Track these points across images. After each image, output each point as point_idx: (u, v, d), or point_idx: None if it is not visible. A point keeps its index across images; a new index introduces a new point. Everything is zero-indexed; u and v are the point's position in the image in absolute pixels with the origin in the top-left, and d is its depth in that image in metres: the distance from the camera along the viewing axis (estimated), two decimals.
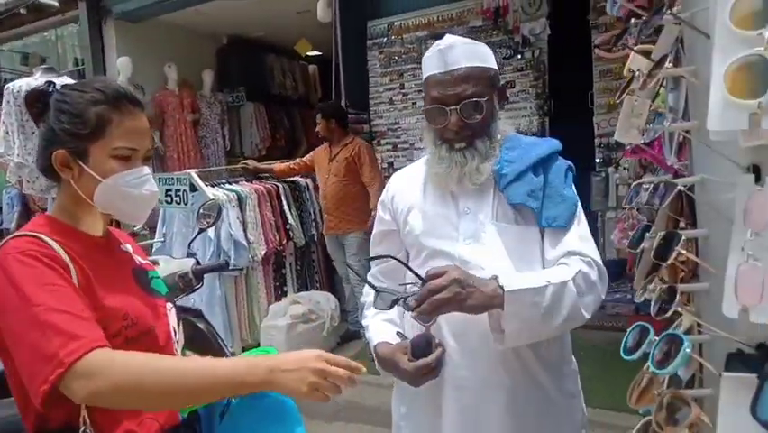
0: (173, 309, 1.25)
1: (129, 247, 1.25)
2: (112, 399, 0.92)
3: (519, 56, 4.47)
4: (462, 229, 1.27)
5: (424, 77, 1.31)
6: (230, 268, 2.62)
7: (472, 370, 1.24)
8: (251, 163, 4.43)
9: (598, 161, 4.18)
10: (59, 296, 0.95)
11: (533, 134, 4.26)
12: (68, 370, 0.88)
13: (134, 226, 3.38)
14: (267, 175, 4.42)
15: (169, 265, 2.18)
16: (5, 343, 0.96)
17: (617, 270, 3.83)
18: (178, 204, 3.74)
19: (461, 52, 1.25)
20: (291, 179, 4.52)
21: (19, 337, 0.93)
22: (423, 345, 1.20)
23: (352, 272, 3.93)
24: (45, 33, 6.95)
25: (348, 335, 4.19)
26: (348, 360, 0.99)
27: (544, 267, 1.23)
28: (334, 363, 0.96)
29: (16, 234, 1.04)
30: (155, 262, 2.20)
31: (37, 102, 1.13)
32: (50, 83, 1.14)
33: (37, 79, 3.32)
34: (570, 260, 1.20)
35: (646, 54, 1.00)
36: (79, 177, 1.09)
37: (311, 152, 4.30)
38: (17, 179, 3.33)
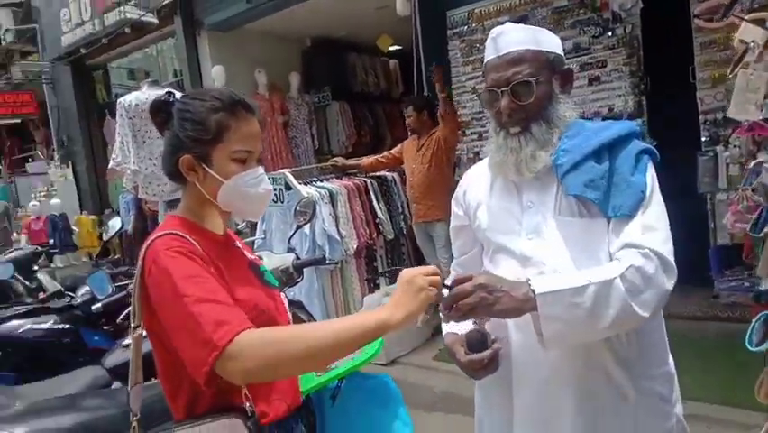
0: (285, 301, 1.33)
1: (239, 243, 1.33)
2: (265, 374, 1.02)
3: (610, 33, 4.24)
4: (525, 224, 1.24)
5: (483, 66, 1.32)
6: (326, 262, 2.73)
7: (537, 365, 1.21)
8: (340, 161, 4.57)
9: (704, 139, 3.87)
10: (204, 286, 1.04)
11: (628, 115, 4.04)
12: (222, 353, 0.96)
13: (237, 225, 3.61)
14: (355, 171, 4.54)
15: (271, 260, 2.31)
16: (165, 331, 1.07)
17: (731, 256, 3.55)
18: (275, 202, 3.93)
19: (512, 37, 1.24)
20: (378, 173, 4.60)
21: (177, 326, 1.03)
22: (478, 340, 1.19)
23: (442, 264, 3.94)
24: (147, 49, 7.55)
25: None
26: (436, 272, 1.08)
27: (611, 261, 1.16)
28: (427, 274, 1.06)
29: (160, 233, 1.13)
30: (259, 258, 2.36)
31: (160, 112, 1.22)
32: (170, 93, 1.25)
33: (144, 92, 3.63)
34: (623, 253, 1.12)
35: (760, 23, 0.93)
36: (204, 179, 1.18)
37: (398, 145, 4.36)
38: (132, 185, 3.65)
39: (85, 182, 8.34)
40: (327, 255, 3.68)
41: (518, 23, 1.32)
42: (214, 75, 5.99)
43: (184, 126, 1.17)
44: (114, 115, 8.10)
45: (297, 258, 2.33)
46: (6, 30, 8.43)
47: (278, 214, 4.10)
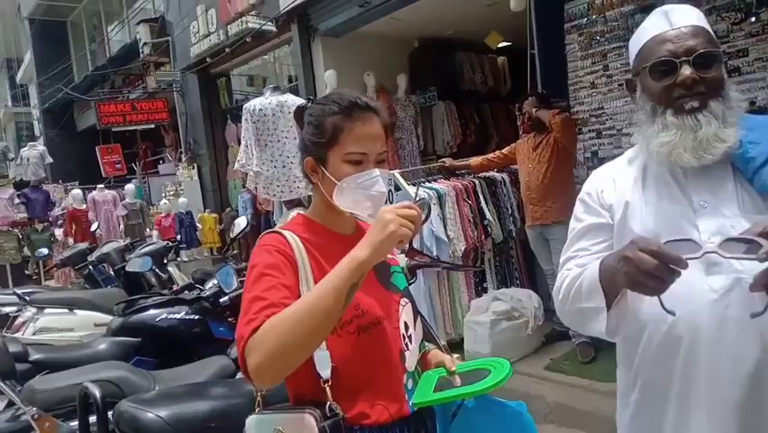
0: (408, 305, 1.27)
1: None
2: (272, 367, 1.01)
3: (753, 18, 3.79)
4: (704, 227, 1.10)
5: (639, 46, 1.20)
6: (441, 264, 2.70)
7: (736, 379, 1.06)
8: (448, 161, 4.52)
9: None
10: (267, 286, 1.08)
11: None
12: (245, 348, 1.01)
13: None
14: (464, 172, 4.47)
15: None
16: None
17: None
18: (384, 203, 3.97)
19: (686, 13, 1.16)
20: (487, 174, 4.49)
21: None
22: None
23: (559, 269, 3.76)
24: (265, 57, 7.99)
25: (554, 334, 4.02)
26: (410, 206, 1.05)
27: None
28: (401, 210, 1.04)
29: (269, 230, 1.22)
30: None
31: (298, 116, 1.28)
32: (310, 99, 1.29)
33: (267, 98, 3.82)
34: None
35: None
36: (323, 180, 1.21)
37: (510, 145, 4.23)
38: (254, 186, 3.86)
39: (208, 182, 9.01)
40: (434, 256, 3.65)
41: (644, 11, 1.22)
42: (327, 79, 6.20)
43: (307, 130, 1.23)
44: (234, 120, 8.74)
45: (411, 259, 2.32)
46: (145, 43, 9.33)
47: None
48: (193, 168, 9.10)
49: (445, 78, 7.18)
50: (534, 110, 3.98)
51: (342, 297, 1.02)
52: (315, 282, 1.11)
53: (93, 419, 1.80)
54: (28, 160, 9.86)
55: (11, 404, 2.63)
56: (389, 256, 1.30)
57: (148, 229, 8.77)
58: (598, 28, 4.38)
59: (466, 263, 4.14)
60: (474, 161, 4.39)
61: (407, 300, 1.28)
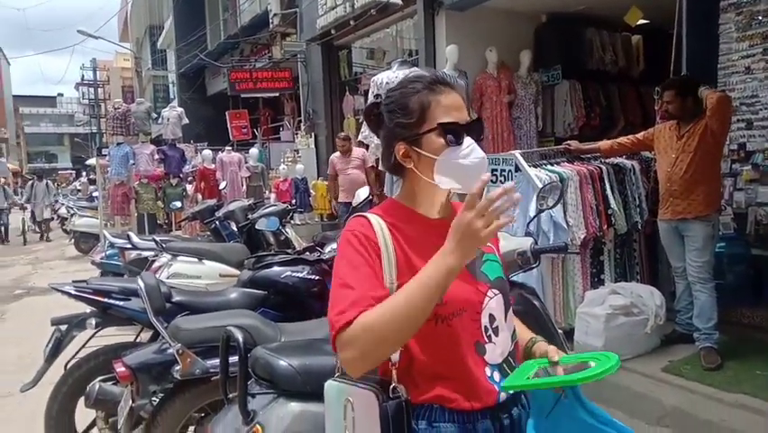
0: (498, 297, 1.23)
1: None
2: (366, 358, 1.06)
3: None
4: None
5: None
6: (568, 250, 2.61)
7: None
8: (574, 144, 4.30)
9: None
10: (355, 273, 1.11)
11: None
12: (337, 336, 1.06)
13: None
14: (589, 156, 4.25)
15: (508, 243, 2.30)
16: None
17: None
18: (503, 183, 3.90)
19: None
20: (616, 161, 4.24)
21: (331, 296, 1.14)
22: None
23: (693, 268, 3.50)
24: (387, 30, 8.03)
25: (674, 336, 3.77)
26: (492, 198, 0.99)
27: None
28: (482, 208, 0.99)
29: (357, 213, 1.25)
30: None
31: (372, 114, 1.27)
32: (377, 96, 1.29)
33: (395, 71, 3.87)
34: None
35: None
36: (419, 162, 1.19)
37: (648, 130, 3.93)
38: (375, 158, 3.95)
39: (323, 151, 9.34)
40: (551, 243, 3.53)
41: None
42: (448, 54, 6.13)
43: (391, 117, 1.21)
44: (352, 92, 8.95)
45: (536, 243, 2.28)
46: (275, 14, 9.77)
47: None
48: (311, 136, 9.47)
49: (572, 56, 6.80)
50: (702, 89, 3.55)
51: (432, 302, 1.05)
52: (398, 267, 1.14)
53: (231, 360, 1.97)
54: (168, 119, 10.81)
55: (155, 337, 2.98)
56: (486, 244, 1.24)
57: (266, 192, 9.31)
58: (761, 7, 3.93)
59: (583, 253, 3.97)
60: (604, 144, 4.15)
61: (497, 291, 1.23)
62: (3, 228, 14.68)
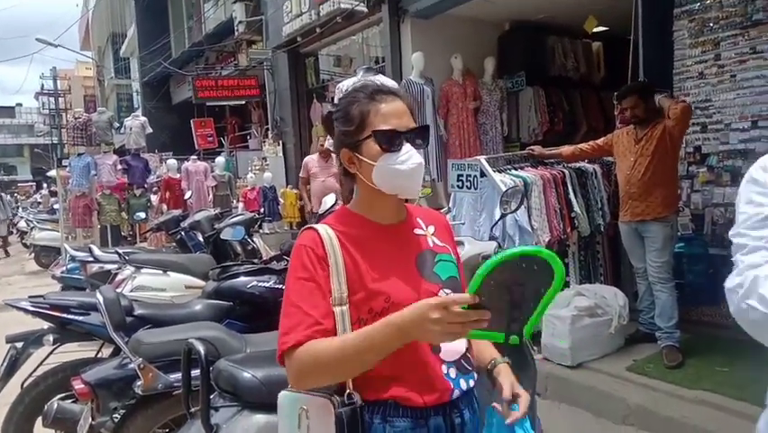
0: (449, 294, 1.23)
1: (430, 229, 1.33)
2: (303, 383, 1.16)
3: None
4: None
5: None
6: None
7: None
8: (537, 149, 4.38)
9: None
10: (300, 291, 1.17)
11: None
12: (283, 355, 1.14)
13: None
14: (552, 161, 4.33)
15: (473, 246, 2.33)
16: None
17: None
18: (468, 188, 3.94)
19: None
20: (578, 165, 4.33)
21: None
22: None
23: (653, 269, 3.59)
24: (353, 37, 8.05)
25: (638, 336, 3.86)
26: (464, 298, 0.99)
27: None
28: (450, 305, 0.99)
29: (307, 226, 1.28)
30: (459, 243, 2.38)
31: (328, 122, 1.33)
32: (334, 104, 1.35)
33: (360, 78, 3.87)
34: None
35: None
36: (361, 167, 1.24)
37: (607, 136, 4.03)
38: None
39: (291, 159, 9.28)
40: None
41: None
42: (414, 61, 6.18)
43: (337, 126, 1.28)
44: (320, 99, 8.92)
45: (500, 246, 2.31)
46: (240, 21, 9.68)
47: (470, 200, 4.11)
48: (278, 144, 9.40)
49: (535, 62, 6.94)
50: (659, 97, 3.69)
51: (377, 356, 1.10)
52: (348, 277, 1.18)
53: (193, 373, 1.92)
54: (131, 129, 10.57)
55: (116, 353, 2.89)
56: (440, 244, 1.32)
57: (234, 201, 9.19)
58: (712, 14, 4.09)
59: None
60: (566, 149, 4.24)
61: (449, 291, 1.24)
62: None
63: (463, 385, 1.24)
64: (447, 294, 1.22)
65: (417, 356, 1.19)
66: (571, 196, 4.09)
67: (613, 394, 3.29)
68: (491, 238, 2.43)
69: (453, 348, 1.24)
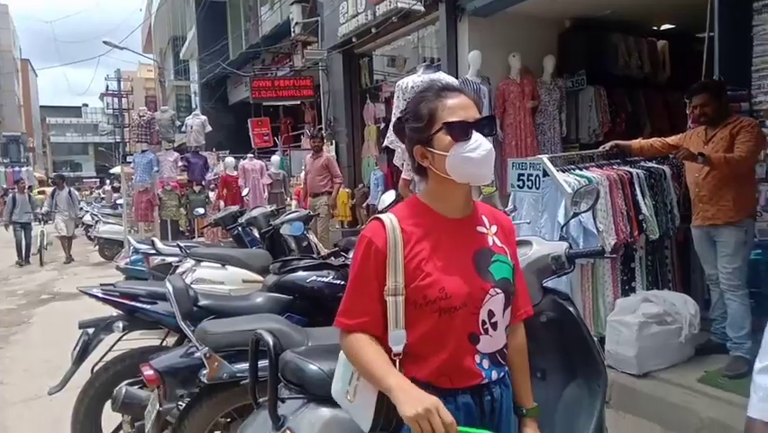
0: (500, 295, 1.35)
1: (493, 229, 1.41)
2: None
3: None
4: None
5: None
6: (604, 255, 2.54)
7: None
8: (613, 143, 4.15)
9: None
10: (358, 278, 1.34)
11: None
12: (340, 330, 1.36)
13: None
14: (618, 161, 4.14)
15: (542, 247, 2.24)
16: None
17: None
18: (530, 188, 3.84)
19: None
20: (647, 165, 4.13)
21: None
22: None
23: (724, 275, 3.39)
24: (408, 37, 8.03)
25: (710, 346, 3.65)
26: (452, 421, 1.13)
27: None
28: (441, 417, 1.12)
29: (374, 215, 1.39)
30: (527, 243, 2.30)
31: (398, 128, 1.43)
32: (399, 119, 1.43)
33: (420, 75, 3.84)
34: None
35: None
36: (434, 160, 1.33)
37: (678, 135, 3.84)
38: (401, 163, 3.91)
39: (344, 158, 9.33)
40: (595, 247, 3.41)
41: None
42: (471, 60, 6.09)
43: (408, 125, 1.37)
44: (372, 100, 8.95)
45: (571, 247, 2.21)
46: (296, 23, 9.84)
47: (531, 201, 4.00)
48: (331, 144, 9.48)
49: (597, 61, 6.72)
50: (697, 106, 3.53)
51: (376, 384, 1.27)
52: (406, 269, 1.29)
53: (259, 364, 1.93)
54: (191, 127, 10.93)
55: (180, 342, 2.97)
56: (500, 245, 1.40)
57: (288, 198, 9.33)
58: None
59: (613, 260, 3.86)
60: (635, 142, 4.06)
61: (499, 291, 1.35)
62: (25, 246, 11.86)
63: (494, 376, 1.36)
64: (497, 293, 1.34)
65: (453, 343, 1.30)
66: (639, 197, 3.91)
67: (684, 406, 3.11)
68: (561, 238, 2.34)
69: (493, 342, 1.35)
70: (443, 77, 3.86)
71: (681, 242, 4.22)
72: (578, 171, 3.90)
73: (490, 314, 1.33)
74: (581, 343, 2.21)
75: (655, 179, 4.08)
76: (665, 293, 3.74)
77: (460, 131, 1.29)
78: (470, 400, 1.32)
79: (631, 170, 4.01)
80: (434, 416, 1.12)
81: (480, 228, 1.39)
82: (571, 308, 2.23)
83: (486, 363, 1.34)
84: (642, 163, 4.16)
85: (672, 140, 3.86)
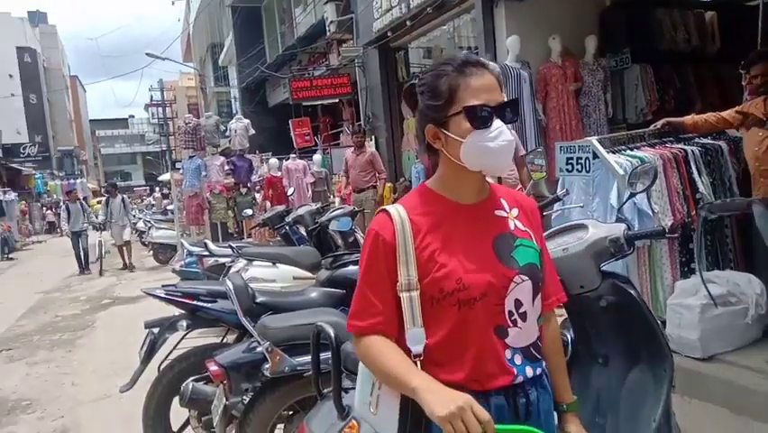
0: (526, 282, 1.23)
1: (513, 212, 1.29)
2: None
3: None
4: None
5: None
6: (665, 235, 2.47)
7: None
8: (665, 121, 3.99)
9: None
10: (368, 276, 1.24)
11: None
12: (354, 335, 1.26)
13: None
14: (671, 138, 3.99)
15: (598, 230, 2.19)
16: None
17: None
18: (579, 171, 3.75)
19: None
20: (701, 141, 3.97)
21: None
22: None
23: None
24: (444, 27, 7.97)
25: None
26: (489, 418, 1.04)
27: None
28: (476, 414, 1.03)
29: (381, 208, 1.28)
30: (583, 227, 2.25)
31: (411, 96, 1.28)
32: (416, 76, 1.35)
33: None
34: None
35: None
36: (447, 144, 1.21)
37: (734, 108, 3.67)
38: None
39: (384, 153, 9.36)
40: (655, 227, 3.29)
41: None
42: (509, 45, 6.00)
43: (423, 99, 1.23)
44: None
45: (629, 228, 2.16)
46: (331, 22, 9.92)
47: (581, 184, 3.91)
48: (371, 139, 9.52)
49: (641, 38, 6.48)
50: (755, 76, 3.34)
51: (396, 388, 1.20)
52: (418, 260, 1.19)
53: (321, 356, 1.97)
54: (235, 131, 11.18)
55: (240, 338, 3.06)
56: (522, 229, 1.28)
57: (330, 196, 9.44)
58: None
59: (671, 241, 3.73)
60: (688, 119, 3.89)
61: (526, 277, 1.23)
62: (83, 254, 12.11)
63: (529, 372, 1.24)
64: (523, 280, 1.22)
65: (478, 340, 1.19)
66: (695, 175, 3.76)
67: (754, 390, 2.99)
68: (618, 220, 2.28)
69: (524, 335, 1.23)
70: (451, 55, 3.78)
71: (741, 220, 4.03)
72: (629, 152, 3.78)
73: (518, 303, 1.22)
74: (645, 326, 2.15)
75: (712, 155, 3.92)
76: (728, 273, 3.60)
77: (482, 118, 1.16)
78: (503, 402, 1.20)
79: (685, 147, 3.86)
80: (468, 414, 1.03)
81: (498, 212, 1.28)
82: (632, 291, 2.17)
83: (518, 359, 1.22)
84: (696, 140, 3.99)
85: (728, 114, 3.69)
